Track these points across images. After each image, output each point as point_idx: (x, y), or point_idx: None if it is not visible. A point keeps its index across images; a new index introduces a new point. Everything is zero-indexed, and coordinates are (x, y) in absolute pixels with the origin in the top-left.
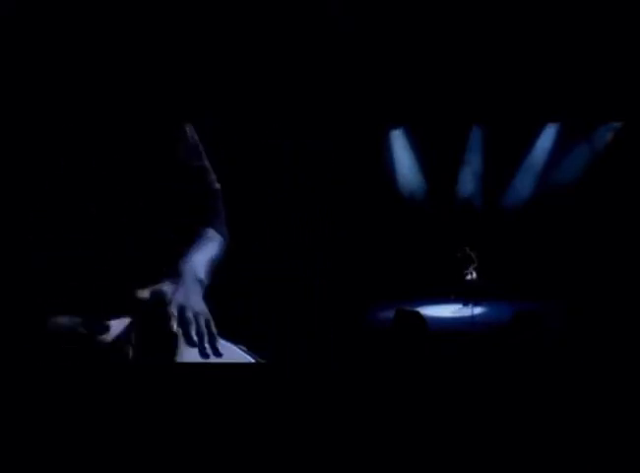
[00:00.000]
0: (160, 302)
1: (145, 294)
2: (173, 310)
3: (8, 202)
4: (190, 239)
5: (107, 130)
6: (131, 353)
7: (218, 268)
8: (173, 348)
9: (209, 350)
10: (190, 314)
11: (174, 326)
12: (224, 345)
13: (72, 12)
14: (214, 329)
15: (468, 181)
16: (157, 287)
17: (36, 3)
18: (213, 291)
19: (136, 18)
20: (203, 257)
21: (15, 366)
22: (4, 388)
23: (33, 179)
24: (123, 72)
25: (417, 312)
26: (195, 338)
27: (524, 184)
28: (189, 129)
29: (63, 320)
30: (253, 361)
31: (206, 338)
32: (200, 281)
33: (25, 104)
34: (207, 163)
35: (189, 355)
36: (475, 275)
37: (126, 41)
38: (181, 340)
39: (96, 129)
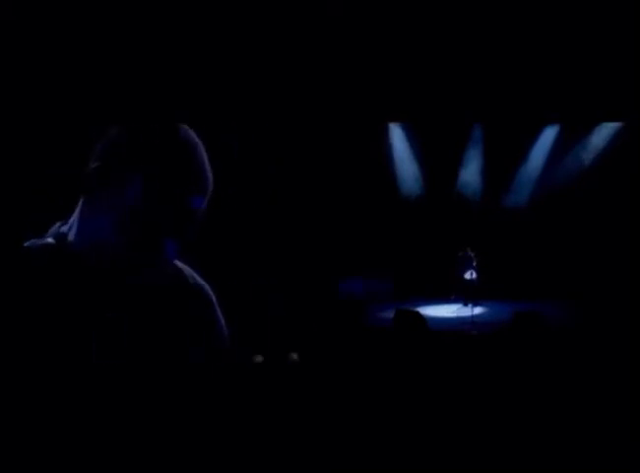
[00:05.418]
0: None
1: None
2: None
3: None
4: None
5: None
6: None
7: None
8: None
9: None
10: None
11: None
12: None
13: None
14: None
15: (468, 181)
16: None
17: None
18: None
19: (134, 20)
20: None
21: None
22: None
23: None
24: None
25: (417, 312)
26: None
27: (524, 184)
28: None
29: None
30: None
31: None
32: None
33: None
34: None
35: None
36: (475, 275)
37: (124, 42)
38: None
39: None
